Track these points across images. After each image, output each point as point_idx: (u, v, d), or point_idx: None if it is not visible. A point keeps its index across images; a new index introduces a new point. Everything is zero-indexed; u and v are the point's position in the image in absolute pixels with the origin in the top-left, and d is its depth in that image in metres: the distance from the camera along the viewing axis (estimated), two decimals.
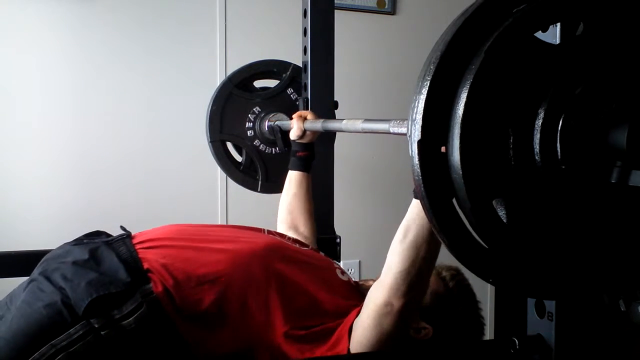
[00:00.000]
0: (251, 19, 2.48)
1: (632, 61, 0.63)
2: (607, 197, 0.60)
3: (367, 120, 1.19)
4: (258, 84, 1.89)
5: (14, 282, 1.42)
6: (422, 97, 0.61)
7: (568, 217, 0.61)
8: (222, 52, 2.42)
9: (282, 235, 1.42)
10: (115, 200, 2.35)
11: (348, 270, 2.41)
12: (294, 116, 1.58)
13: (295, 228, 1.61)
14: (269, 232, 1.41)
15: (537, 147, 0.59)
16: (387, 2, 2.68)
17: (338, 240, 1.71)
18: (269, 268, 1.17)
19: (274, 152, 1.80)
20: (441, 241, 0.64)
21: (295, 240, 1.41)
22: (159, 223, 2.40)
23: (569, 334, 0.91)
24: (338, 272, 1.31)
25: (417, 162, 0.61)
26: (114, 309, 1.03)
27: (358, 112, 2.70)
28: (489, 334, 2.73)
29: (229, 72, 2.36)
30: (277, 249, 1.24)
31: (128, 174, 2.34)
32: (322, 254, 1.43)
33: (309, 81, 1.68)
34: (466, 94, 0.59)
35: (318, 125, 1.45)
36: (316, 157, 1.62)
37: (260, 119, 1.78)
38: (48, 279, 1.07)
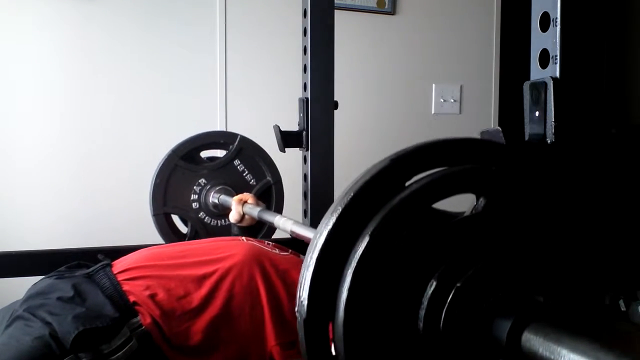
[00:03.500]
0: (251, 20, 2.48)
1: (527, 246, 0.61)
2: None
3: (296, 223, 1.17)
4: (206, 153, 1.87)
5: (14, 282, 1.41)
6: (308, 276, 0.59)
7: None
8: (222, 52, 2.42)
9: (261, 242, 1.39)
10: (116, 200, 2.32)
11: None
12: (233, 200, 1.55)
13: None
14: (248, 239, 1.38)
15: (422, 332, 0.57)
16: (387, 2, 2.69)
17: None
18: (253, 284, 1.17)
19: (219, 224, 1.77)
20: None
21: (274, 246, 1.38)
22: None
23: None
24: None
25: (302, 338, 0.60)
26: (103, 343, 1.01)
27: (359, 112, 2.74)
28: None
29: (229, 70, 2.40)
30: (257, 261, 1.22)
31: (129, 174, 2.33)
32: (303, 256, 1.40)
33: (309, 81, 1.66)
34: (349, 280, 0.57)
35: (255, 212, 1.43)
36: (316, 156, 1.61)
37: (206, 191, 1.75)
38: (34, 315, 1.05)
